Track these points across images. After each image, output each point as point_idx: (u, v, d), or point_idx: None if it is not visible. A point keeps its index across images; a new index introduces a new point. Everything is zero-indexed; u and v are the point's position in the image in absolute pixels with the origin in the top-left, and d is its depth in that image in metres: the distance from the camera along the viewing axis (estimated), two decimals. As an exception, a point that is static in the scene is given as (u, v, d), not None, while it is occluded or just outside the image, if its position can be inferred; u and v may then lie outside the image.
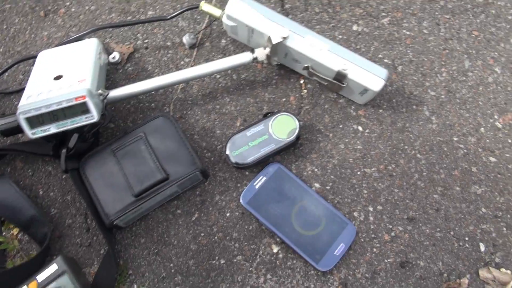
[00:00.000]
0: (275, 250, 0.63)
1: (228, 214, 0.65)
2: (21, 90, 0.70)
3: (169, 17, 0.67)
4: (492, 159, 0.68)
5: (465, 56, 0.73)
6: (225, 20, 0.64)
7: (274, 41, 0.61)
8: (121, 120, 0.69)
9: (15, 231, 0.65)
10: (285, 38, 0.61)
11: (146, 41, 0.73)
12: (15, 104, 0.72)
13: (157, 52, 0.72)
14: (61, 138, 0.61)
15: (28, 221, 0.63)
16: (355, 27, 0.74)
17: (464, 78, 0.72)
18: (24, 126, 0.56)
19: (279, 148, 0.64)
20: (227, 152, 0.64)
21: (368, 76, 0.61)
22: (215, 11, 0.65)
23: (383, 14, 0.75)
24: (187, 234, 0.64)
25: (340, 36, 0.73)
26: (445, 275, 0.62)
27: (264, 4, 0.74)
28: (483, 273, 0.62)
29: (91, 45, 0.65)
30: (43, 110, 0.56)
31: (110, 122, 0.68)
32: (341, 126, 0.69)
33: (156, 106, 0.70)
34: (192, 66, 0.69)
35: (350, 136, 0.68)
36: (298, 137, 0.64)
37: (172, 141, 0.61)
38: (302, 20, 0.74)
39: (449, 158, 0.68)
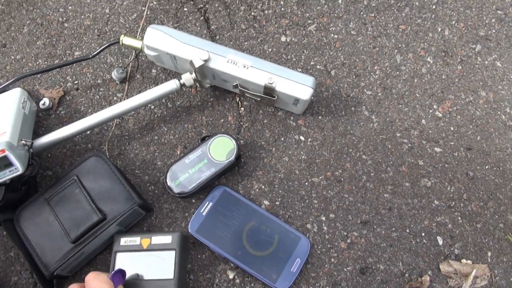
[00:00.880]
0: (231, 276, 0.61)
1: (178, 247, 0.63)
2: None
3: (91, 55, 0.66)
4: (437, 149, 0.67)
5: (396, 51, 0.73)
6: (146, 51, 0.63)
7: (196, 65, 0.60)
8: (58, 166, 0.67)
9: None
10: (206, 61, 0.60)
11: (76, 82, 0.71)
12: None
13: (88, 91, 0.71)
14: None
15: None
16: (283, 38, 0.74)
17: (397, 73, 0.71)
18: None
19: (220, 170, 0.62)
20: (168, 183, 0.62)
21: (296, 86, 0.60)
22: (136, 43, 0.64)
23: (309, 21, 0.75)
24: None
25: (270, 49, 0.73)
26: (407, 275, 0.60)
27: (187, 28, 0.74)
28: (443, 267, 0.61)
29: (13, 95, 0.63)
30: (-36, 168, 0.54)
31: (47, 169, 0.66)
32: (282, 138, 0.68)
33: (93, 146, 0.68)
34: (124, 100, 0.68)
35: (293, 148, 0.67)
36: (238, 157, 0.63)
37: (106, 180, 0.59)
38: (230, 39, 0.73)
39: (394, 155, 0.67)
